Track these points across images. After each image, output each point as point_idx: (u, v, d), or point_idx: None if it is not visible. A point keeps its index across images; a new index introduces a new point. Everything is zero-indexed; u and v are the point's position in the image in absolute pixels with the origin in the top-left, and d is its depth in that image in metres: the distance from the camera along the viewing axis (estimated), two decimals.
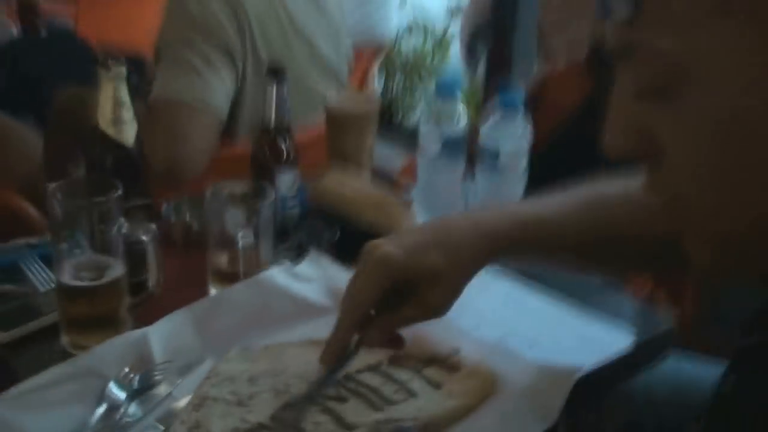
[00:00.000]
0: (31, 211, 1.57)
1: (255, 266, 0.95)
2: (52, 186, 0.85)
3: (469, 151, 1.26)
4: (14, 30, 2.19)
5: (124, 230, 0.86)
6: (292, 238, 1.08)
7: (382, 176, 1.31)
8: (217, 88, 1.36)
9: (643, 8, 0.47)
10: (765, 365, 0.56)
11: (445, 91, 1.20)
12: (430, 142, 1.21)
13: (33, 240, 1.06)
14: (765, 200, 0.47)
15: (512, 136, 1.20)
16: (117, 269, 0.87)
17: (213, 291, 0.99)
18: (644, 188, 0.53)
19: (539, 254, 0.87)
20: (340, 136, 1.29)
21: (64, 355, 0.88)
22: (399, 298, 0.80)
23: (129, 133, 0.94)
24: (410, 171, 1.36)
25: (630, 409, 1.12)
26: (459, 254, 0.80)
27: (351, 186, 1.21)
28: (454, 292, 0.81)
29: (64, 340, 0.90)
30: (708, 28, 0.45)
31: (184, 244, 1.09)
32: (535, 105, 1.96)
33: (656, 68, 0.48)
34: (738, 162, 0.47)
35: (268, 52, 1.43)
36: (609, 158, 0.53)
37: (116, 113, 0.93)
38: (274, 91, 1.08)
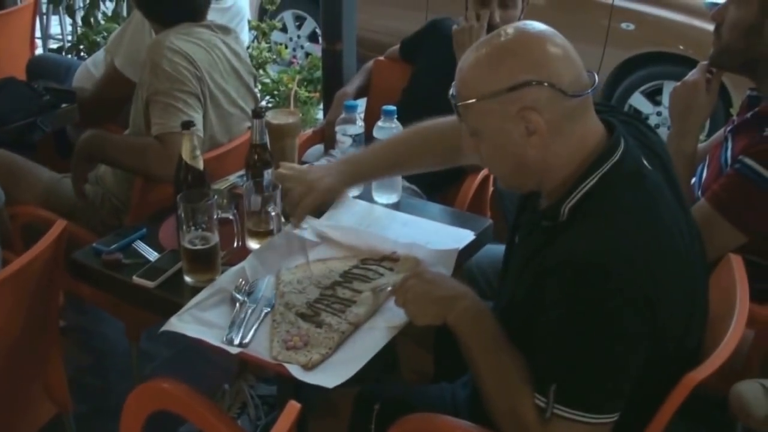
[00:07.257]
0: (49, 215, 2.22)
1: (278, 225, 1.74)
2: (178, 198, 1.59)
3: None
4: None
5: (219, 216, 1.63)
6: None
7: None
8: (196, 118, 2.09)
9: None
10: (528, 233, 1.46)
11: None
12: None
13: (130, 230, 1.79)
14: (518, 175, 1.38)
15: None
16: (215, 238, 1.64)
17: (250, 243, 1.78)
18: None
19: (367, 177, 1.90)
20: (279, 141, 2.08)
21: (190, 287, 1.64)
22: None
23: (200, 162, 1.70)
24: None
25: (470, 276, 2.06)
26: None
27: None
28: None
29: (188, 279, 1.65)
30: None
31: None
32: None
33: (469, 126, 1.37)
34: (503, 165, 1.38)
35: (216, 87, 2.18)
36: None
37: (193, 153, 1.69)
38: (256, 123, 1.85)
